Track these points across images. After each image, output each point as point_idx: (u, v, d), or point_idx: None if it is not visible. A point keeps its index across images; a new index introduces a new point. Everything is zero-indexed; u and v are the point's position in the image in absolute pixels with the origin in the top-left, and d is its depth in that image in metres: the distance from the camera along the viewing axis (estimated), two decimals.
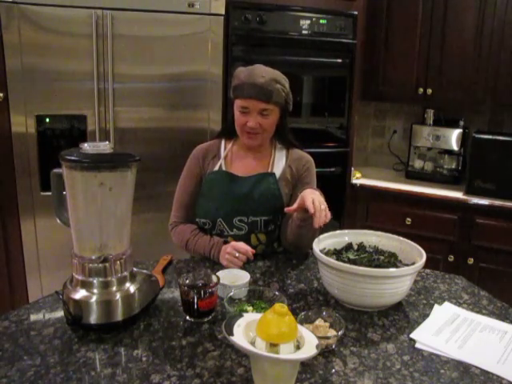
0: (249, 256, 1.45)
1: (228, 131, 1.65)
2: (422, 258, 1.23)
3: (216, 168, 1.60)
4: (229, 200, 1.54)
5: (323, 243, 1.35)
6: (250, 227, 1.55)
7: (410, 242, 1.34)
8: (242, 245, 1.47)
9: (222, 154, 1.62)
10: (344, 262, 1.25)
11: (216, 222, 1.56)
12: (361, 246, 1.39)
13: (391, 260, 1.29)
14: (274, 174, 1.58)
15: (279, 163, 1.62)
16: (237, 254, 1.43)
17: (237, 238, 1.55)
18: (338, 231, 1.43)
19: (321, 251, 1.27)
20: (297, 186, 1.61)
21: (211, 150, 1.64)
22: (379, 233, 1.42)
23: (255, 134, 1.52)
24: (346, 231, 1.44)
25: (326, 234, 1.39)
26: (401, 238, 1.38)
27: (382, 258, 1.31)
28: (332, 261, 1.19)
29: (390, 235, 1.40)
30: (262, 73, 1.48)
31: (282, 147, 1.65)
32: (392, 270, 1.21)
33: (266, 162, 1.62)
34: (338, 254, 1.34)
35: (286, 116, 1.60)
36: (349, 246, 1.39)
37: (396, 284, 1.17)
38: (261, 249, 1.59)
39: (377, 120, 3.34)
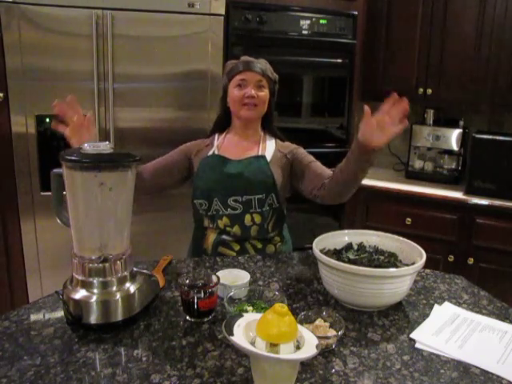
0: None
1: (220, 124, 1.74)
2: (421, 257, 1.23)
3: (209, 154, 1.66)
4: (222, 180, 1.60)
5: (323, 243, 1.35)
6: (244, 206, 1.59)
7: (410, 242, 1.34)
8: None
9: (216, 142, 1.70)
10: (344, 262, 1.24)
11: (212, 202, 1.61)
12: (361, 246, 1.39)
13: (391, 260, 1.29)
14: (264, 156, 1.64)
15: (269, 148, 1.69)
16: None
17: (232, 218, 1.60)
18: (337, 231, 1.43)
19: (321, 251, 1.27)
20: (294, 161, 1.66)
21: (206, 140, 1.73)
22: (379, 233, 1.42)
23: (254, 105, 1.61)
24: (346, 231, 1.44)
25: (326, 234, 1.39)
26: (401, 238, 1.37)
27: (381, 258, 1.31)
28: (332, 261, 1.19)
29: (389, 235, 1.40)
30: (253, 57, 1.66)
31: (270, 137, 1.73)
32: (392, 269, 1.21)
33: (256, 147, 1.68)
34: (338, 253, 1.34)
35: (273, 103, 1.70)
36: (349, 246, 1.39)
37: (396, 284, 1.17)
38: (255, 230, 1.62)
39: None
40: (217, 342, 1.06)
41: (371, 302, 1.20)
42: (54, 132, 2.21)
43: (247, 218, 1.60)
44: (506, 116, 2.89)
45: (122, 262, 1.12)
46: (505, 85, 2.58)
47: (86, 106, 2.23)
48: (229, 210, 1.60)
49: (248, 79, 1.60)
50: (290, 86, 2.62)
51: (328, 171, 1.63)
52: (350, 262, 1.26)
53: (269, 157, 1.65)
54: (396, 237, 1.39)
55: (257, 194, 1.59)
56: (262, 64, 1.63)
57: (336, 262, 1.19)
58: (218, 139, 1.71)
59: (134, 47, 2.24)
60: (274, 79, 1.67)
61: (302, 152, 1.70)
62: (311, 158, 1.68)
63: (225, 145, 1.69)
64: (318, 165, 1.66)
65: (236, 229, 1.60)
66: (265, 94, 1.63)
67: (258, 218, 1.61)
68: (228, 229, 1.61)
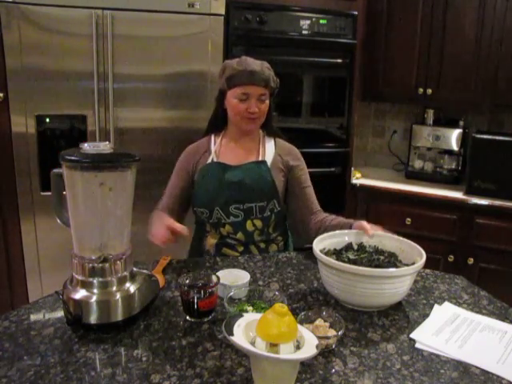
0: (175, 229, 1.38)
1: (216, 126, 1.69)
2: (421, 257, 1.23)
3: (208, 161, 1.63)
4: (223, 189, 1.57)
5: (323, 243, 1.35)
6: (245, 214, 1.58)
7: (409, 241, 1.34)
8: (171, 223, 1.40)
9: (213, 148, 1.65)
10: (344, 262, 1.24)
11: (213, 211, 1.59)
12: (361, 246, 1.39)
13: (391, 260, 1.29)
14: (265, 161, 1.62)
15: (269, 152, 1.66)
16: (162, 232, 1.37)
17: (234, 225, 1.58)
18: (337, 231, 1.43)
19: (321, 251, 1.27)
20: (291, 174, 1.65)
21: (202, 146, 1.68)
22: (379, 232, 1.42)
23: (254, 118, 1.57)
24: (346, 231, 1.44)
25: (325, 234, 1.39)
26: (401, 238, 1.37)
27: (381, 257, 1.30)
28: (332, 261, 1.19)
29: (389, 235, 1.40)
30: (254, 61, 1.56)
31: (269, 137, 1.70)
32: (392, 269, 1.21)
33: (256, 151, 1.65)
34: (337, 253, 1.34)
35: (272, 104, 1.66)
36: (349, 246, 1.39)
37: (396, 284, 1.17)
38: (257, 234, 1.61)
39: (377, 120, 3.34)
40: (217, 342, 1.06)
41: (371, 302, 1.20)
42: (53, 132, 2.23)
43: (248, 223, 1.59)
44: (506, 116, 2.89)
45: (122, 262, 1.12)
46: (505, 85, 2.58)
47: (86, 106, 2.23)
48: (231, 217, 1.58)
49: (251, 93, 1.53)
50: (290, 86, 2.61)
51: (316, 205, 1.66)
52: (350, 261, 1.26)
53: (269, 161, 1.62)
54: (396, 237, 1.39)
55: (258, 201, 1.57)
56: (265, 73, 1.54)
57: (336, 261, 1.19)
58: (214, 143, 1.66)
59: (133, 47, 2.24)
60: (276, 86, 1.61)
61: (301, 168, 1.67)
62: (308, 180, 1.68)
63: (223, 150, 1.65)
64: (311, 192, 1.67)
65: (240, 235, 1.60)
66: (266, 104, 1.58)
67: (258, 223, 1.60)
68: (232, 236, 1.61)
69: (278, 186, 1.60)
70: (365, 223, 1.43)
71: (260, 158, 1.62)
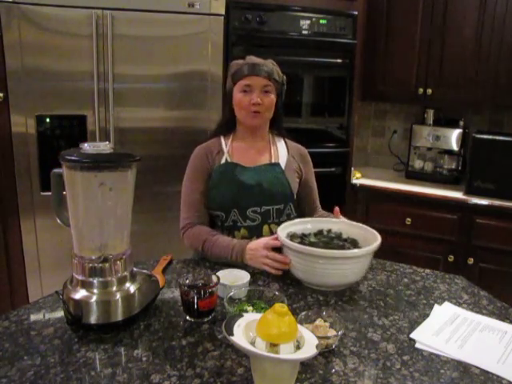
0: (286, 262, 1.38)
1: (225, 127, 1.67)
2: (376, 241, 1.31)
3: (222, 162, 1.60)
4: (241, 190, 1.55)
5: (290, 228, 1.44)
6: (263, 217, 1.57)
7: (374, 231, 1.39)
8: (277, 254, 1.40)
9: (225, 149, 1.62)
10: (305, 244, 1.32)
11: (230, 213, 1.56)
12: (327, 232, 1.47)
13: (348, 245, 1.37)
14: (278, 163, 1.62)
15: (282, 153, 1.65)
16: (278, 257, 1.37)
17: (250, 229, 1.56)
18: (298, 219, 1.52)
19: (288, 235, 1.37)
20: (303, 176, 1.69)
21: (213, 146, 1.64)
22: (344, 220, 1.50)
23: (258, 112, 1.55)
24: (309, 219, 1.53)
25: (287, 223, 1.46)
26: (365, 226, 1.44)
27: (340, 242, 1.39)
28: (294, 244, 1.29)
29: (353, 223, 1.48)
30: (258, 58, 1.59)
31: (278, 138, 1.70)
32: (339, 251, 1.28)
33: (268, 152, 1.64)
34: (302, 237, 1.42)
35: (281, 105, 1.65)
36: (319, 232, 1.46)
37: (349, 265, 1.26)
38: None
39: (377, 120, 3.34)
40: (217, 342, 1.06)
41: (332, 282, 1.29)
42: (53, 132, 2.23)
43: (265, 228, 1.57)
44: (506, 116, 2.90)
45: (122, 262, 1.12)
46: (505, 85, 2.58)
47: (86, 106, 2.23)
48: (248, 221, 1.56)
49: (253, 84, 1.53)
50: (290, 86, 2.61)
51: (317, 204, 1.73)
52: (310, 244, 1.34)
53: (283, 163, 1.62)
54: (360, 225, 1.46)
55: (276, 204, 1.57)
56: (268, 66, 1.55)
57: (295, 243, 1.29)
58: (225, 145, 1.63)
59: (134, 47, 2.24)
60: (281, 81, 1.60)
61: (310, 171, 1.71)
62: (314, 181, 1.73)
63: (235, 153, 1.62)
64: (315, 193, 1.73)
65: (254, 240, 1.54)
66: (271, 98, 1.56)
67: (275, 229, 1.56)
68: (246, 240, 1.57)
69: (294, 189, 1.60)
70: (336, 209, 1.54)
71: (273, 160, 1.62)
